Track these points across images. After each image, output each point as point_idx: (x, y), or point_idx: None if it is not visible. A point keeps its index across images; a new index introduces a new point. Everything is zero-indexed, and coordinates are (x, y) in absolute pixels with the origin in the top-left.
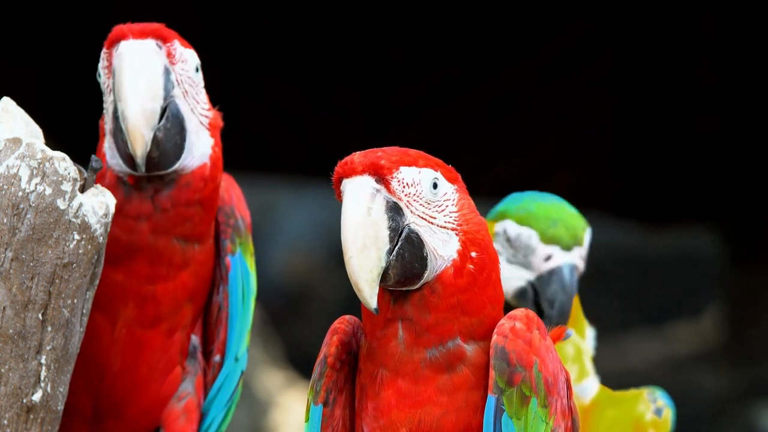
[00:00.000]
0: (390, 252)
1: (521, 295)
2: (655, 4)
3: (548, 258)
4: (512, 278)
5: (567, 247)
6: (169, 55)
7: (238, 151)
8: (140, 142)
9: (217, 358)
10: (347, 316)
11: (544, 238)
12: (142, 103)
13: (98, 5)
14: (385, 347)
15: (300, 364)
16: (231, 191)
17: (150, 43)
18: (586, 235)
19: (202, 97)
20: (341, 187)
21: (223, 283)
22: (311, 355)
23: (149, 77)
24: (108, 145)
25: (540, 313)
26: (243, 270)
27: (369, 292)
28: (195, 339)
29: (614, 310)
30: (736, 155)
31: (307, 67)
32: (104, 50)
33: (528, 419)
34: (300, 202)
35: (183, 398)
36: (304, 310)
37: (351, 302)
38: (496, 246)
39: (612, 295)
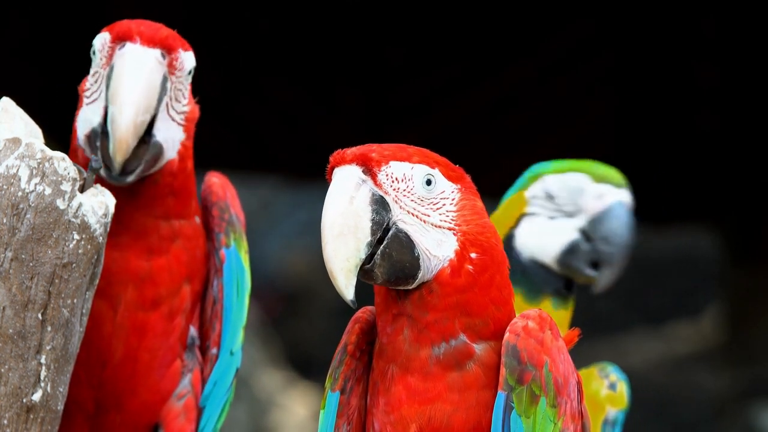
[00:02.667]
0: (371, 245)
1: (571, 251)
2: (655, 4)
3: (601, 196)
4: (557, 234)
5: (619, 185)
6: (171, 65)
7: (238, 151)
8: (124, 153)
9: (213, 351)
10: (370, 307)
11: (596, 178)
12: (135, 117)
13: (98, 5)
14: (394, 343)
15: (300, 364)
16: (226, 190)
17: (155, 54)
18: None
19: (185, 95)
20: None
21: (218, 276)
22: (311, 355)
23: (148, 91)
24: (82, 126)
25: (595, 266)
26: (237, 264)
27: (344, 282)
28: (194, 331)
29: (614, 310)
30: (736, 155)
31: (307, 67)
32: (107, 36)
33: (537, 418)
34: (300, 202)
35: (183, 397)
36: (304, 309)
37: None
38: (535, 208)
39: (612, 295)
